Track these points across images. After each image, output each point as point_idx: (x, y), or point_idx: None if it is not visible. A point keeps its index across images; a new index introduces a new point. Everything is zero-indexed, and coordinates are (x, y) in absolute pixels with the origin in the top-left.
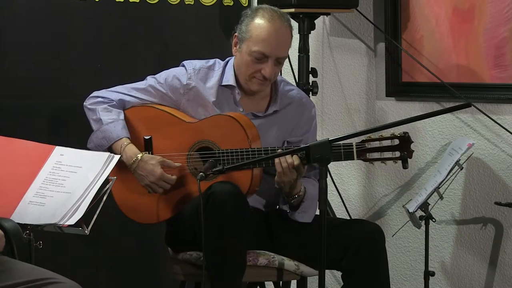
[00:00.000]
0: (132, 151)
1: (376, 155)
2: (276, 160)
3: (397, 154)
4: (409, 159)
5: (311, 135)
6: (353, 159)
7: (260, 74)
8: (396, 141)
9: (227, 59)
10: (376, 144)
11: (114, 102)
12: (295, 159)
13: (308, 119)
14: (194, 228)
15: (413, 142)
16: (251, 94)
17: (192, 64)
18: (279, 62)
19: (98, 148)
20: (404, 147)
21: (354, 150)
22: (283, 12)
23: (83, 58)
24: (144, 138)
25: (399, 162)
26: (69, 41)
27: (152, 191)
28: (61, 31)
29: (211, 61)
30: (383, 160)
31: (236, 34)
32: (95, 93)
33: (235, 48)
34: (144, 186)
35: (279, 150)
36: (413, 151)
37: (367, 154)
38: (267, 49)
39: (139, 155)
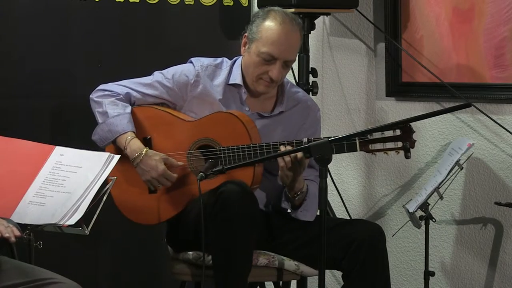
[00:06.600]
0: (136, 145)
1: (378, 146)
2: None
3: (399, 144)
4: (408, 159)
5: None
6: (356, 151)
7: (267, 76)
8: (398, 132)
9: (234, 58)
10: (378, 135)
11: (121, 96)
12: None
13: (313, 122)
14: (200, 228)
15: (415, 132)
16: (257, 95)
17: (200, 61)
18: (287, 65)
19: (102, 140)
20: (406, 137)
21: (357, 141)
22: (294, 16)
23: (83, 58)
24: (143, 139)
25: (402, 152)
26: (69, 41)
27: (152, 187)
28: (61, 31)
29: (219, 60)
30: (385, 150)
31: (246, 34)
32: (102, 86)
33: (243, 48)
34: (144, 181)
35: (281, 146)
36: (415, 141)
37: (370, 145)
38: (276, 51)
39: (144, 150)
